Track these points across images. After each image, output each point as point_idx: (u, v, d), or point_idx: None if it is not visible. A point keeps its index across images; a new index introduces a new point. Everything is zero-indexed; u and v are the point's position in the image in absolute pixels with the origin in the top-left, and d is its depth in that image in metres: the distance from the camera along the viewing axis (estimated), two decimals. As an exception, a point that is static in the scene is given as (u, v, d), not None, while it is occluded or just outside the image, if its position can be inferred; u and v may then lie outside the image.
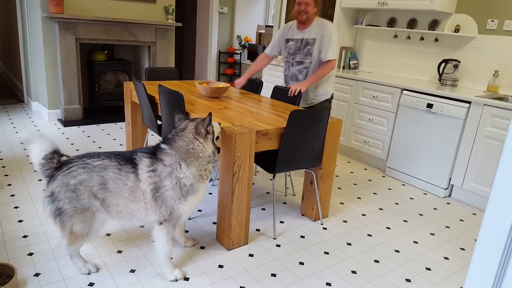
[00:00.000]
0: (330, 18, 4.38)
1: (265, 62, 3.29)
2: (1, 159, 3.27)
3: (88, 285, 1.86)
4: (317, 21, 2.94)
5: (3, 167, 3.11)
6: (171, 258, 2.08)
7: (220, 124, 2.04)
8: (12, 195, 2.66)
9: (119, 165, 1.78)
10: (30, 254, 2.05)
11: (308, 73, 3.02)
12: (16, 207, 2.51)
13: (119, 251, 2.14)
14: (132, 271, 1.99)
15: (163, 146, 1.86)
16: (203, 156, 1.85)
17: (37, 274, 1.90)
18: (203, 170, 1.87)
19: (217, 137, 2.00)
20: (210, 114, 1.87)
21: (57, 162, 1.80)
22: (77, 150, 3.63)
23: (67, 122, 4.43)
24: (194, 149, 1.83)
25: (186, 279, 1.96)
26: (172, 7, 5.03)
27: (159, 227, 1.87)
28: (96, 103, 4.84)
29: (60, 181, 1.75)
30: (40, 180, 2.93)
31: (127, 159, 1.81)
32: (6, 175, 2.96)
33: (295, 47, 3.04)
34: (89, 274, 1.93)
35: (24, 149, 3.52)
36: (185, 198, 1.84)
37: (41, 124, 4.33)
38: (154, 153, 1.83)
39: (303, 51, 2.99)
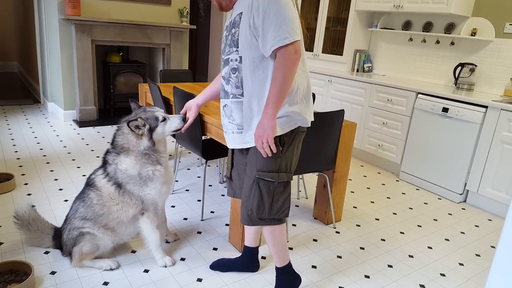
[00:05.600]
0: (345, 21, 4.37)
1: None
2: (18, 158, 3.33)
3: (103, 284, 1.88)
4: None
5: (20, 166, 3.17)
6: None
7: (184, 119, 1.94)
8: (29, 194, 2.71)
9: (90, 195, 1.93)
10: (47, 252, 2.08)
11: (240, 82, 1.57)
12: (32, 206, 2.55)
13: (133, 251, 2.17)
14: (146, 271, 2.01)
15: (107, 149, 1.97)
16: (137, 149, 1.88)
17: (53, 273, 1.93)
18: (145, 157, 1.89)
19: (178, 130, 1.96)
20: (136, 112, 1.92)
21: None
22: (92, 150, 3.68)
23: (82, 123, 4.50)
24: (129, 143, 1.88)
25: (199, 280, 1.97)
26: (187, 10, 5.08)
27: (142, 218, 1.98)
28: (110, 104, 4.90)
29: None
30: (56, 179, 2.98)
31: (88, 185, 1.96)
32: (23, 175, 3.02)
33: (225, 38, 1.66)
34: (111, 270, 1.99)
35: (41, 149, 3.58)
36: (146, 184, 1.91)
37: (56, 125, 4.40)
38: (104, 161, 1.95)
39: (228, 39, 1.62)
